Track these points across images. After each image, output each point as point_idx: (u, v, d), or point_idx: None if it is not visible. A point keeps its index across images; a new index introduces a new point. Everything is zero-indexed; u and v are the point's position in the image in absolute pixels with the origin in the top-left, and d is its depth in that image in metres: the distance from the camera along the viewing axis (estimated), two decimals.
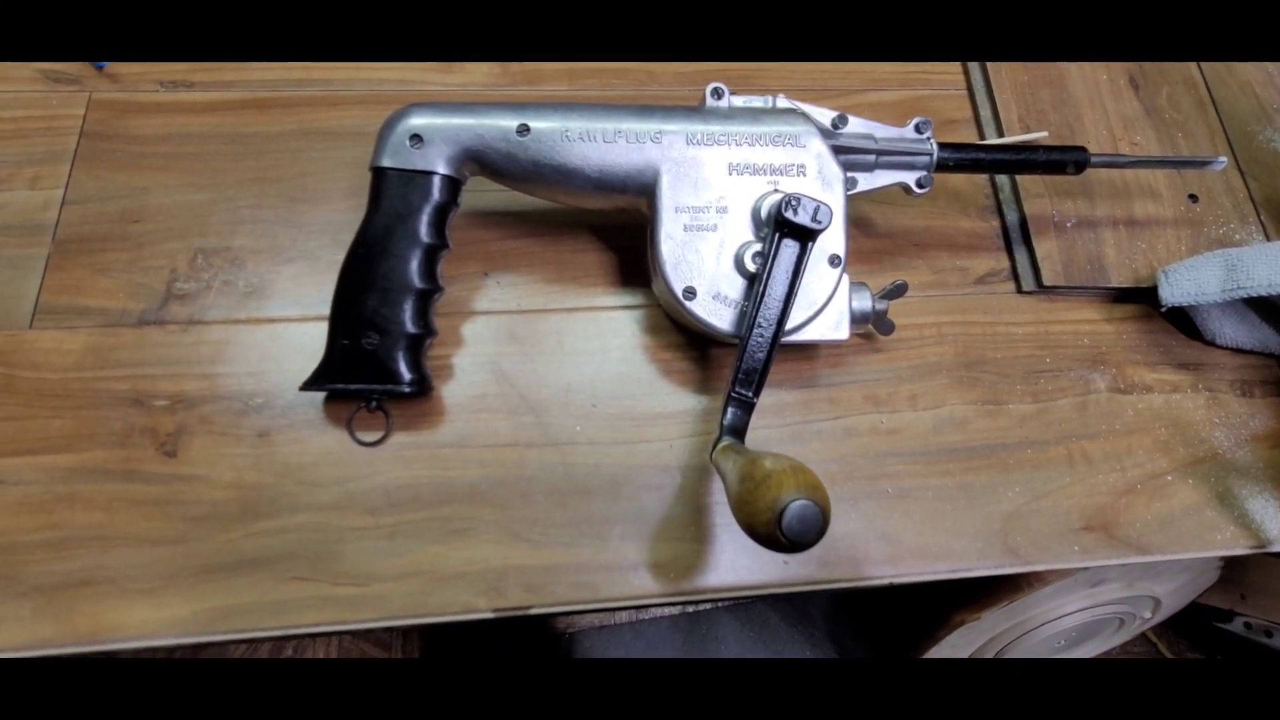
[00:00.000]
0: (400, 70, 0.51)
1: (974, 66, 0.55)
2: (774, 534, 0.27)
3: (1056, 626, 0.72)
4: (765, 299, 0.38)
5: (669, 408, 0.43)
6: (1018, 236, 0.50)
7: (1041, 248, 0.49)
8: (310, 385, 0.39)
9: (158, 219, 0.45)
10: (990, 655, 0.79)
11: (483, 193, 0.45)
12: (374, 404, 0.41)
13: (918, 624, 0.79)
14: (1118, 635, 0.85)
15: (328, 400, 0.41)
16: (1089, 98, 0.54)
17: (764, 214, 0.40)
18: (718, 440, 0.37)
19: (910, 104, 0.55)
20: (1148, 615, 0.80)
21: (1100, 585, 0.70)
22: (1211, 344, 0.48)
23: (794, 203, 0.37)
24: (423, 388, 0.40)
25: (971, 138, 0.54)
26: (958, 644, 0.76)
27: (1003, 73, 0.54)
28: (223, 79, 0.49)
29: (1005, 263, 0.50)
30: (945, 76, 0.56)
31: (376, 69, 0.50)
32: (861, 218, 0.50)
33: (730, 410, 0.38)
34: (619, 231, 0.47)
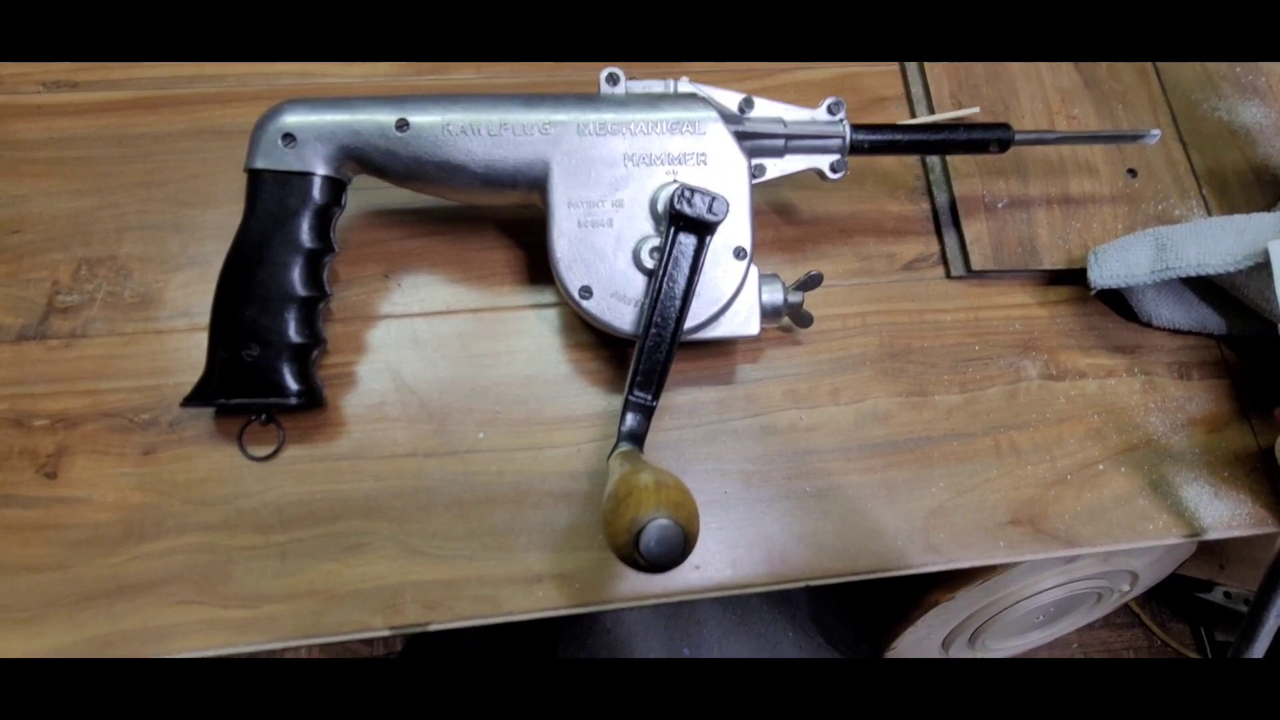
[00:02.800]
0: (298, 63, 0.48)
1: None
2: (633, 555, 0.26)
3: (1033, 603, 0.72)
4: (663, 297, 0.37)
5: (578, 410, 0.42)
6: (948, 219, 0.48)
7: (971, 230, 0.47)
8: (191, 401, 0.37)
9: (38, 228, 0.42)
10: (968, 633, 0.78)
11: (380, 190, 0.43)
12: (264, 417, 0.39)
13: (895, 604, 0.78)
14: (1097, 609, 0.84)
15: (218, 414, 0.40)
16: (1025, 71, 0.52)
17: (661, 207, 0.38)
18: (615, 447, 0.36)
19: (840, 81, 0.52)
20: (1126, 588, 0.79)
21: (1075, 561, 0.69)
22: (1148, 325, 0.47)
23: (687, 195, 0.35)
24: (311, 399, 0.38)
25: (902, 115, 0.52)
26: (934, 623, 0.75)
27: None
28: (109, 78, 0.46)
29: (935, 247, 0.48)
30: None
31: (273, 62, 0.48)
32: (783, 203, 0.48)
33: (629, 415, 0.37)
34: (527, 226, 0.45)
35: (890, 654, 0.82)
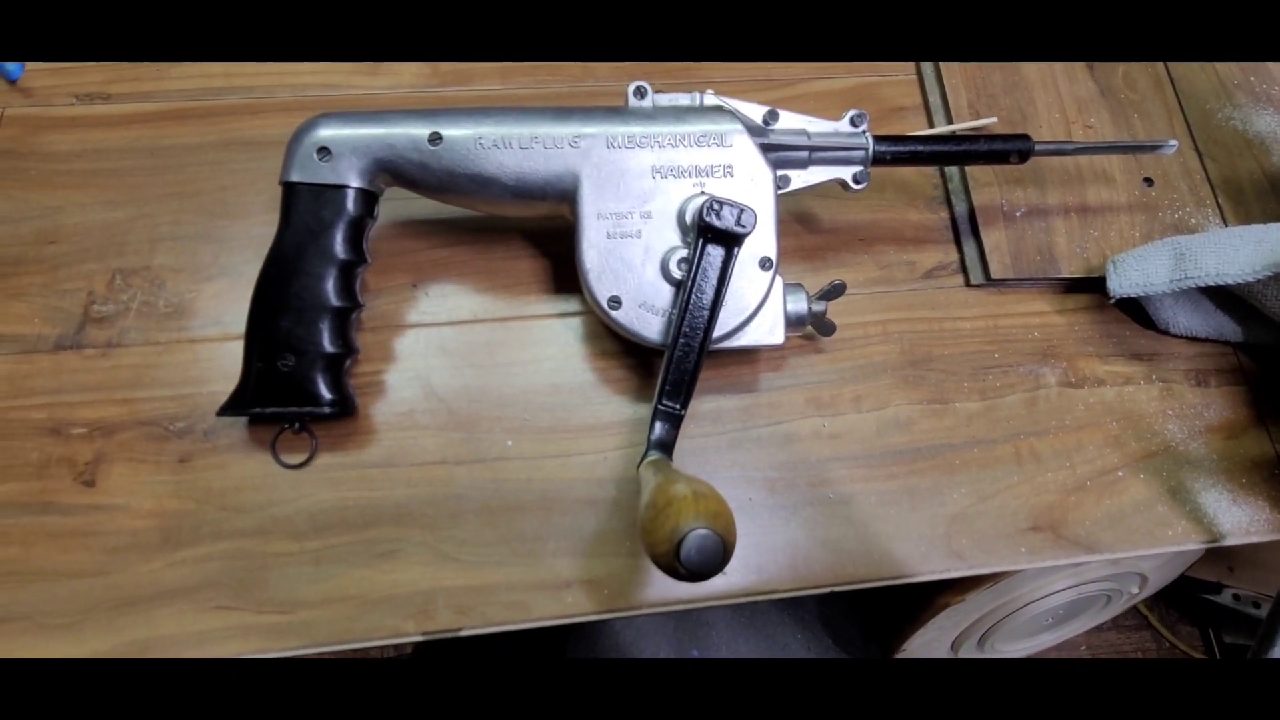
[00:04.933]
0: (325, 74, 0.49)
1: None
2: (673, 565, 0.26)
3: (1042, 605, 0.72)
4: (691, 307, 0.37)
5: (604, 418, 0.42)
6: (966, 228, 0.48)
7: (990, 239, 0.47)
8: (227, 410, 0.38)
9: (73, 239, 0.43)
10: (977, 635, 0.78)
11: (408, 201, 0.44)
12: (298, 425, 0.40)
13: (905, 607, 0.79)
14: (1106, 611, 0.84)
15: (251, 422, 0.40)
16: (1042, 80, 0.52)
17: (689, 218, 0.38)
18: (644, 455, 0.36)
19: (858, 91, 0.53)
20: (1135, 591, 0.79)
21: (1084, 564, 0.69)
22: (1165, 333, 0.47)
23: (716, 207, 0.36)
24: (345, 408, 0.39)
25: (920, 125, 0.52)
26: (944, 625, 0.76)
27: None
28: (140, 89, 0.47)
29: (954, 255, 0.48)
30: (894, 62, 0.54)
31: (300, 73, 0.49)
32: (804, 213, 0.48)
33: (657, 424, 0.37)
34: (552, 236, 0.46)
35: (900, 656, 0.83)
